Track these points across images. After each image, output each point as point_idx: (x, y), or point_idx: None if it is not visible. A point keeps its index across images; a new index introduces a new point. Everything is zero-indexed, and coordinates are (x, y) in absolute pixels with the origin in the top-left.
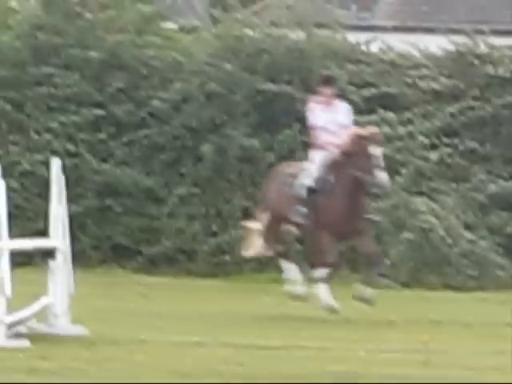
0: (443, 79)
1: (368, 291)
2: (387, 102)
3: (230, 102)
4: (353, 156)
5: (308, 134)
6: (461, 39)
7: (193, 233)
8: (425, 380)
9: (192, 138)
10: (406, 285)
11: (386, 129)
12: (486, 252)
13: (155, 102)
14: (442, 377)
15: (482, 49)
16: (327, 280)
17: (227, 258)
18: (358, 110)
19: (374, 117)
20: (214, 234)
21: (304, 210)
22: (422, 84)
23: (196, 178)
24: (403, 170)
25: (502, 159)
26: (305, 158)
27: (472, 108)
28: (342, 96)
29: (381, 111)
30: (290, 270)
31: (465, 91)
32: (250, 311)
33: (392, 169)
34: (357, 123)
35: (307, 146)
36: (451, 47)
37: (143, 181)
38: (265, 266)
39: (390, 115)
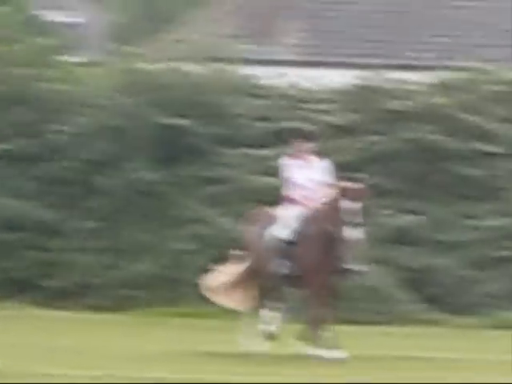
0: (344, 114)
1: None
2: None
3: (131, 135)
4: (327, 210)
5: (283, 187)
6: (361, 74)
7: (93, 266)
8: None
9: (93, 171)
10: None
11: None
12: (388, 287)
13: (56, 136)
14: None
15: (383, 83)
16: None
17: (129, 292)
18: (257, 146)
19: (274, 151)
20: (115, 268)
21: (285, 261)
22: (323, 119)
23: (97, 212)
24: None
25: (401, 194)
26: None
27: (374, 143)
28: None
29: (281, 146)
30: (270, 318)
31: (366, 126)
32: (151, 345)
33: None
34: (263, 158)
35: (282, 198)
36: (351, 81)
37: (40, 214)
38: (173, 300)
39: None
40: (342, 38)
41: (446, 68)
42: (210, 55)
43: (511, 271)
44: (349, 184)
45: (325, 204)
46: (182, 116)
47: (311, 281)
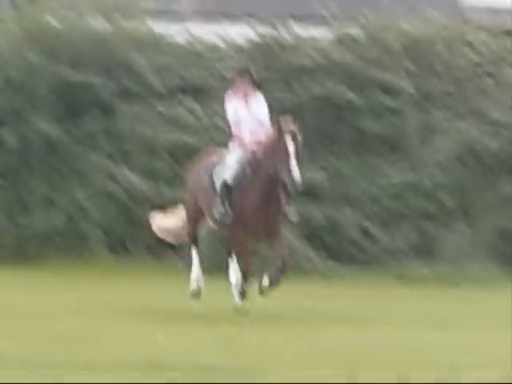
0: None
1: (266, 286)
2: (191, 91)
3: (32, 90)
4: (269, 151)
5: (228, 126)
6: (265, 29)
7: None
8: (232, 369)
9: None
10: (211, 273)
11: (189, 117)
12: (292, 241)
13: None
14: (248, 367)
15: (286, 38)
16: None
17: (35, 245)
18: (160, 100)
19: (176, 105)
20: (20, 223)
21: (221, 206)
22: (226, 73)
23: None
24: None
25: (305, 147)
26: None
27: (276, 98)
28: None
29: (185, 100)
30: (196, 262)
31: (268, 81)
32: (58, 298)
33: (194, 157)
34: (167, 112)
35: (230, 137)
36: (255, 36)
37: None
38: (80, 252)
39: (194, 104)
40: None
41: (353, 22)
42: (114, 9)
43: (414, 226)
44: (284, 120)
45: (265, 144)
46: (86, 70)
47: (246, 226)
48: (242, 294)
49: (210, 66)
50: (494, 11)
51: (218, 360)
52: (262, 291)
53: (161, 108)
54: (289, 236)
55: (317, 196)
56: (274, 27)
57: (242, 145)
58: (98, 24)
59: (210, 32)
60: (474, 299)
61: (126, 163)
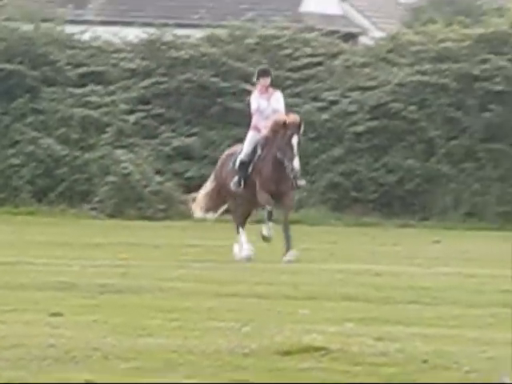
0: (138, 61)
1: (270, 233)
2: (96, 78)
3: None
4: (278, 141)
5: (251, 117)
6: (152, 31)
7: None
8: (123, 287)
9: None
10: (111, 216)
11: (95, 98)
12: (171, 191)
13: None
14: (137, 285)
15: (168, 37)
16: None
17: None
18: (73, 85)
19: (86, 89)
20: None
21: (236, 178)
22: (122, 64)
23: None
24: (108, 129)
25: (183, 121)
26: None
27: (160, 83)
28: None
29: (91, 85)
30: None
31: (154, 70)
32: None
33: (99, 128)
34: (79, 95)
35: (248, 126)
36: (144, 36)
37: None
38: (4, 199)
39: (99, 88)
40: (139, 3)
41: (220, 25)
42: (38, 16)
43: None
44: (292, 117)
45: (275, 133)
46: (17, 62)
47: (259, 198)
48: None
49: (109, 58)
50: (326, 16)
51: (114, 280)
52: (267, 239)
53: (73, 90)
54: (169, 186)
55: (192, 156)
56: (159, 29)
57: (256, 130)
58: (26, 27)
59: (111, 33)
60: (309, 233)
61: (48, 134)
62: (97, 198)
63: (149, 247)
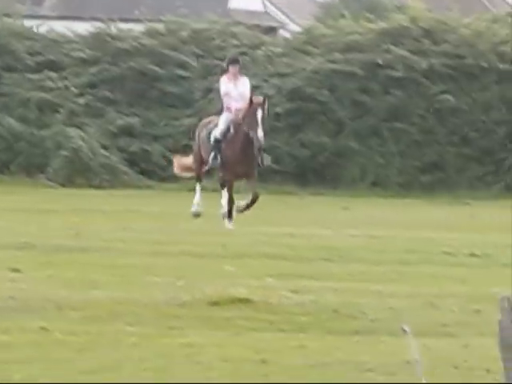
0: (87, 51)
1: (242, 206)
2: (51, 65)
3: None
4: (246, 117)
5: (221, 100)
6: (98, 24)
7: None
8: (74, 247)
9: None
10: (63, 185)
11: (49, 83)
12: (116, 163)
13: None
14: (87, 245)
15: (113, 30)
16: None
17: None
18: (31, 71)
19: (42, 75)
20: None
21: (213, 154)
22: (73, 54)
23: None
24: (61, 110)
25: (126, 103)
26: None
27: (106, 70)
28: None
29: (46, 71)
30: (197, 193)
31: (101, 58)
32: None
33: (53, 109)
34: (36, 80)
35: (221, 109)
36: (92, 29)
37: None
38: None
39: (53, 74)
40: (89, 1)
41: (157, 20)
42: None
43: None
44: (257, 98)
45: (243, 112)
46: None
47: (230, 168)
48: (226, 213)
49: (62, 48)
50: (250, 12)
51: (66, 241)
52: (239, 210)
53: (31, 76)
54: (114, 159)
55: (134, 134)
56: (105, 23)
57: (229, 111)
58: None
59: (64, 27)
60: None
61: (8, 114)
62: (51, 170)
63: (97, 212)
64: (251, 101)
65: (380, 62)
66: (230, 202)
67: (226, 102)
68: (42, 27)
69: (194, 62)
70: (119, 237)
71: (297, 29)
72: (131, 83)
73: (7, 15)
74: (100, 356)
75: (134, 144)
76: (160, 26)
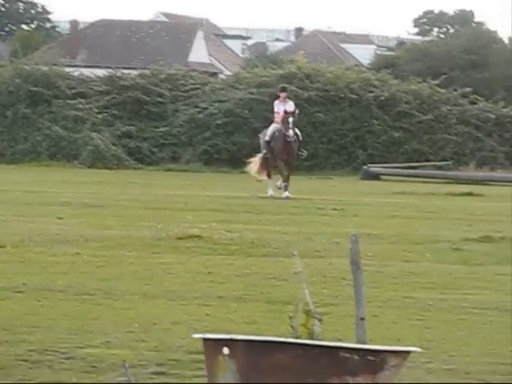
0: (103, 86)
1: (283, 186)
2: (81, 95)
3: None
4: (283, 123)
5: (272, 115)
6: (111, 70)
7: None
8: (96, 204)
9: None
10: (89, 167)
11: (80, 105)
12: (121, 154)
13: None
14: (102, 204)
15: (119, 74)
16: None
17: None
18: (69, 98)
19: (75, 101)
20: None
21: (265, 152)
22: (95, 88)
23: None
24: (87, 122)
25: (126, 118)
26: None
27: (115, 98)
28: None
29: (78, 98)
30: (271, 183)
31: (112, 91)
32: None
33: (82, 121)
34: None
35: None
36: (106, 73)
37: None
38: None
39: (82, 100)
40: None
41: (147, 68)
42: None
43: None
44: (290, 112)
45: (282, 119)
46: None
47: (278, 161)
48: (275, 190)
49: (88, 84)
50: (201, 63)
51: (91, 200)
52: (279, 188)
53: (69, 101)
54: (120, 151)
55: (132, 137)
56: (115, 70)
57: (276, 122)
58: None
59: (89, 71)
60: (193, 177)
61: (56, 124)
62: (81, 158)
63: (109, 183)
64: (285, 112)
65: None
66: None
67: (275, 117)
68: (76, 72)
69: (167, 93)
70: (123, 198)
71: (229, 73)
72: (130, 106)
73: (54, 64)
74: (111, 270)
75: (131, 143)
76: (148, 72)
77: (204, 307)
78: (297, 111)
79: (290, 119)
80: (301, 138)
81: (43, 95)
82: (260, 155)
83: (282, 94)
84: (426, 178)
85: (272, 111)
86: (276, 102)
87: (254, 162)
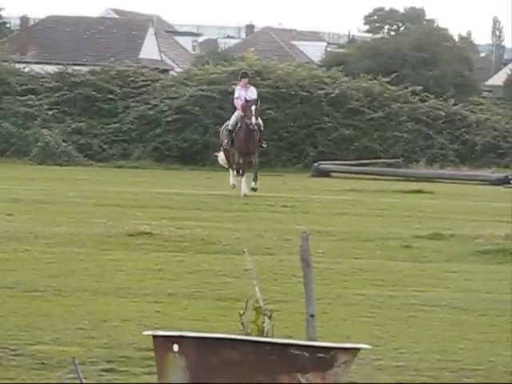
0: (54, 82)
1: (252, 184)
2: (32, 91)
3: None
4: (245, 111)
5: (233, 103)
6: (61, 67)
7: None
8: (46, 201)
9: None
10: (39, 164)
11: (30, 102)
12: (71, 151)
13: None
14: (53, 200)
15: (70, 70)
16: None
17: None
18: (19, 94)
19: (26, 97)
20: None
21: (226, 141)
22: (45, 84)
23: None
24: (38, 118)
25: (77, 114)
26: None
27: (65, 94)
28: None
29: (29, 95)
30: (232, 175)
31: (62, 87)
32: None
33: (33, 118)
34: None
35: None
36: (57, 70)
37: None
38: None
39: (33, 96)
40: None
41: (98, 65)
42: None
43: None
44: (252, 97)
45: (244, 107)
46: None
47: (239, 151)
48: (233, 186)
49: (38, 81)
50: (152, 60)
51: (41, 197)
52: (252, 189)
53: (19, 98)
54: (70, 148)
55: (82, 133)
56: (65, 66)
57: (238, 110)
58: None
59: (39, 68)
60: (144, 173)
61: (6, 120)
62: (32, 154)
63: (59, 180)
64: (246, 100)
65: (230, 90)
66: (240, 174)
67: (236, 103)
68: (26, 68)
69: (118, 90)
70: (73, 194)
71: (180, 70)
72: (80, 102)
73: (5, 61)
74: (61, 267)
75: (82, 139)
76: (98, 68)
77: (154, 304)
78: (259, 100)
79: (253, 107)
80: (262, 129)
81: None
82: (222, 148)
83: (243, 80)
84: (377, 175)
85: (221, 108)
86: (237, 87)
87: (220, 156)
